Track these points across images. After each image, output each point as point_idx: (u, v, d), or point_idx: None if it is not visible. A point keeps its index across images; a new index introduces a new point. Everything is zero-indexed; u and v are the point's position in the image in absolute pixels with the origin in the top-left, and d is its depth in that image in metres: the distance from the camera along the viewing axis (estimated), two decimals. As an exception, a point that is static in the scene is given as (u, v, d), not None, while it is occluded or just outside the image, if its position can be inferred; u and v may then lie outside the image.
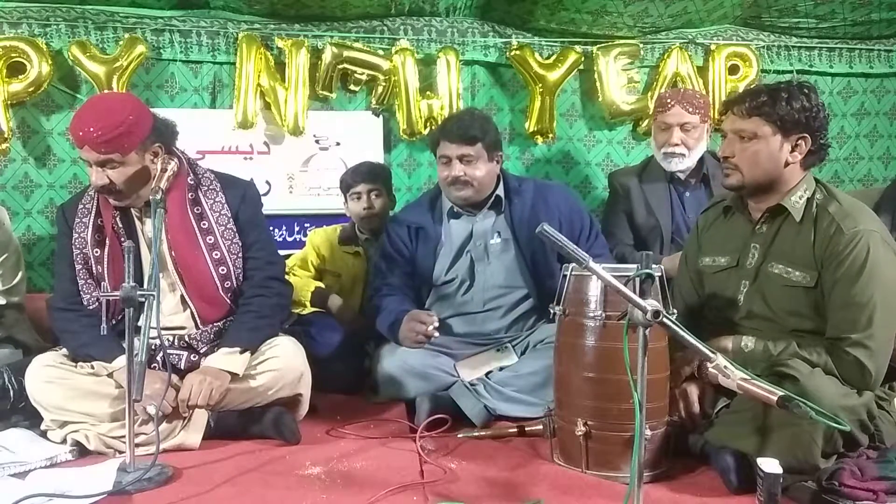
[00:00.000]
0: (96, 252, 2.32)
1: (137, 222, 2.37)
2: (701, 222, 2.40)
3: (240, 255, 2.40)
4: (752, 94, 2.11)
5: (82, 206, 2.37)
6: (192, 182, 2.37)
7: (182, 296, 2.36)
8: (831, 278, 1.98)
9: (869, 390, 1.96)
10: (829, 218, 2.02)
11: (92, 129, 2.15)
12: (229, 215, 2.39)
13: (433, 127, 3.46)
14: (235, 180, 2.51)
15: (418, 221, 2.82)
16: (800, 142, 2.06)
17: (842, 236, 1.98)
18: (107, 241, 2.31)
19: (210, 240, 2.35)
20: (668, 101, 3.01)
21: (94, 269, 2.33)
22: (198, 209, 2.37)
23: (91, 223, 2.33)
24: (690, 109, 2.95)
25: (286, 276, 2.61)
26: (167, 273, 2.34)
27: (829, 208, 2.04)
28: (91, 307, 2.33)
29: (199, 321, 2.35)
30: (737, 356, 2.01)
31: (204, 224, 2.36)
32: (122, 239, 2.29)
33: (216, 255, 2.36)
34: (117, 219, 2.33)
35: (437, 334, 2.54)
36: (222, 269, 2.36)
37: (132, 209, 2.36)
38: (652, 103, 3.39)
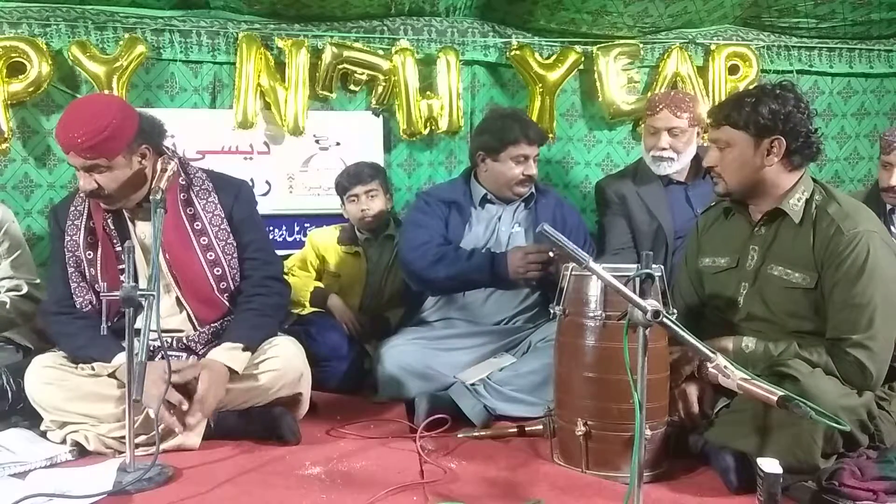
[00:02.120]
0: (89, 254, 2.30)
1: (130, 224, 2.35)
2: (701, 222, 2.40)
3: (235, 255, 2.38)
4: (723, 103, 2.20)
5: (74, 207, 2.35)
6: (183, 182, 2.35)
7: (178, 297, 2.35)
8: (831, 279, 1.98)
9: (870, 391, 1.96)
10: (828, 219, 2.02)
11: (75, 135, 2.12)
12: (223, 216, 2.37)
13: (434, 127, 3.47)
14: (228, 180, 2.49)
15: (452, 197, 2.89)
16: (773, 144, 2.06)
17: (842, 237, 1.98)
18: (99, 244, 2.29)
19: (204, 241, 2.34)
20: (657, 104, 2.98)
21: (86, 271, 2.30)
22: (190, 210, 2.35)
23: (83, 225, 2.31)
24: (678, 113, 2.92)
25: (284, 276, 2.59)
26: (162, 275, 2.30)
27: (829, 209, 2.04)
28: (85, 310, 2.31)
29: (195, 323, 2.34)
30: (737, 356, 2.01)
31: (197, 225, 2.34)
32: (115, 241, 2.28)
33: (210, 256, 2.34)
34: (109, 221, 2.31)
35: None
36: (217, 270, 2.35)
37: (124, 211, 2.33)
38: (650, 104, 3.37)
